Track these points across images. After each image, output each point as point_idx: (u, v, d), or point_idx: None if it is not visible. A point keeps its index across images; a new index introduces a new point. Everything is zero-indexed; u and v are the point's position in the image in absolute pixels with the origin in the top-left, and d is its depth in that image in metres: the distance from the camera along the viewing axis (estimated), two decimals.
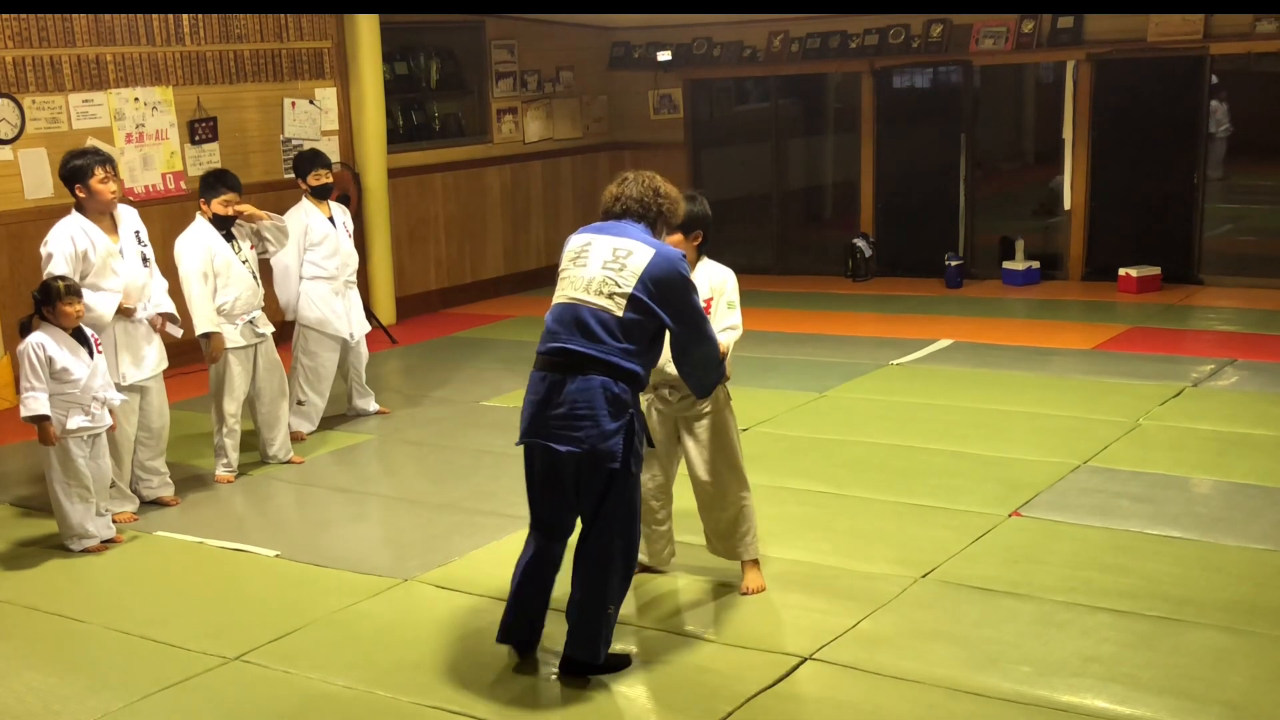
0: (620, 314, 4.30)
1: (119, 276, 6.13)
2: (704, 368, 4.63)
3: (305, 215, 7.59)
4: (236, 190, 6.78)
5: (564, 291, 4.42)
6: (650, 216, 4.49)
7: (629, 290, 4.29)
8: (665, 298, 4.34)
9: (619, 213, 4.50)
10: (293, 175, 10.16)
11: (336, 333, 7.64)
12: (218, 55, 9.81)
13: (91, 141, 8.57)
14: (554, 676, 4.51)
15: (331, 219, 7.66)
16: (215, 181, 6.77)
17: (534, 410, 4.35)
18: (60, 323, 5.73)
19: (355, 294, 7.81)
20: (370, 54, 10.46)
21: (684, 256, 4.46)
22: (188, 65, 9.62)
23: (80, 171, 6.05)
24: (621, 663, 4.55)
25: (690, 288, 4.45)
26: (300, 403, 7.59)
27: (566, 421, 4.28)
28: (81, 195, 6.08)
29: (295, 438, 7.42)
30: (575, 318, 4.34)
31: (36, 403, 5.66)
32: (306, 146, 9.23)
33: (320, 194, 7.65)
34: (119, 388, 6.10)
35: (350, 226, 7.84)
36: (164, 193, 9.38)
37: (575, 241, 4.50)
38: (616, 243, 4.39)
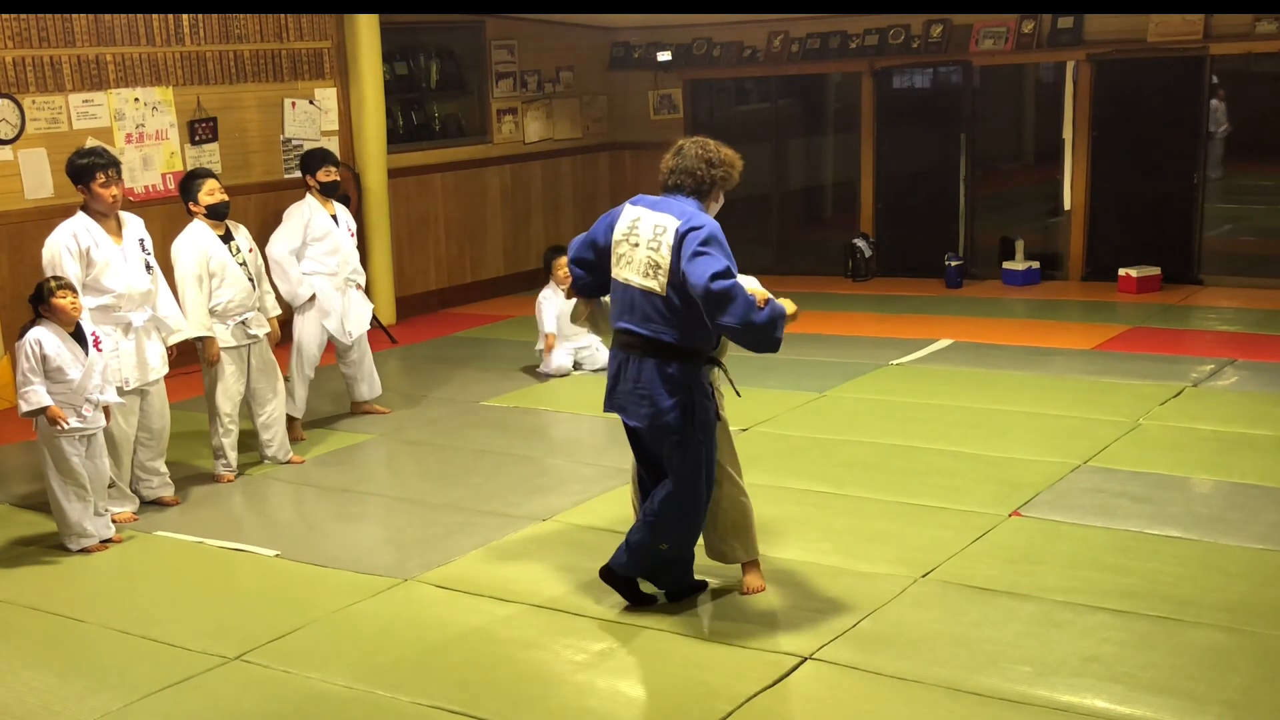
0: (664, 293, 4.57)
1: (121, 279, 6.14)
2: (731, 315, 4.45)
3: (309, 210, 7.64)
4: (213, 176, 6.84)
5: (619, 270, 4.71)
6: (703, 188, 4.71)
7: (668, 268, 4.54)
8: (687, 260, 4.49)
9: (672, 186, 4.73)
10: (294, 175, 10.23)
11: (332, 330, 7.70)
12: (218, 55, 9.81)
13: (92, 142, 8.56)
14: (552, 677, 4.51)
15: (335, 217, 7.70)
16: (190, 180, 6.82)
17: (610, 385, 4.82)
18: (58, 319, 5.73)
19: (356, 293, 7.84)
20: (370, 54, 10.46)
21: (716, 227, 4.59)
22: (188, 65, 9.62)
23: (83, 171, 6.07)
24: (696, 586, 5.03)
25: (696, 248, 4.46)
26: (286, 378, 7.63)
27: (631, 399, 4.72)
28: (84, 195, 6.10)
29: (295, 438, 7.42)
30: (630, 299, 4.70)
31: (36, 395, 5.65)
32: (308, 146, 9.24)
33: (328, 191, 7.71)
34: (121, 391, 6.11)
35: (353, 227, 7.88)
36: (164, 193, 9.38)
37: (628, 214, 4.73)
38: (657, 219, 4.63)
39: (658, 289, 4.59)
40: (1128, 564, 5.26)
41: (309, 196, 7.70)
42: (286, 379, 7.59)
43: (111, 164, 6.14)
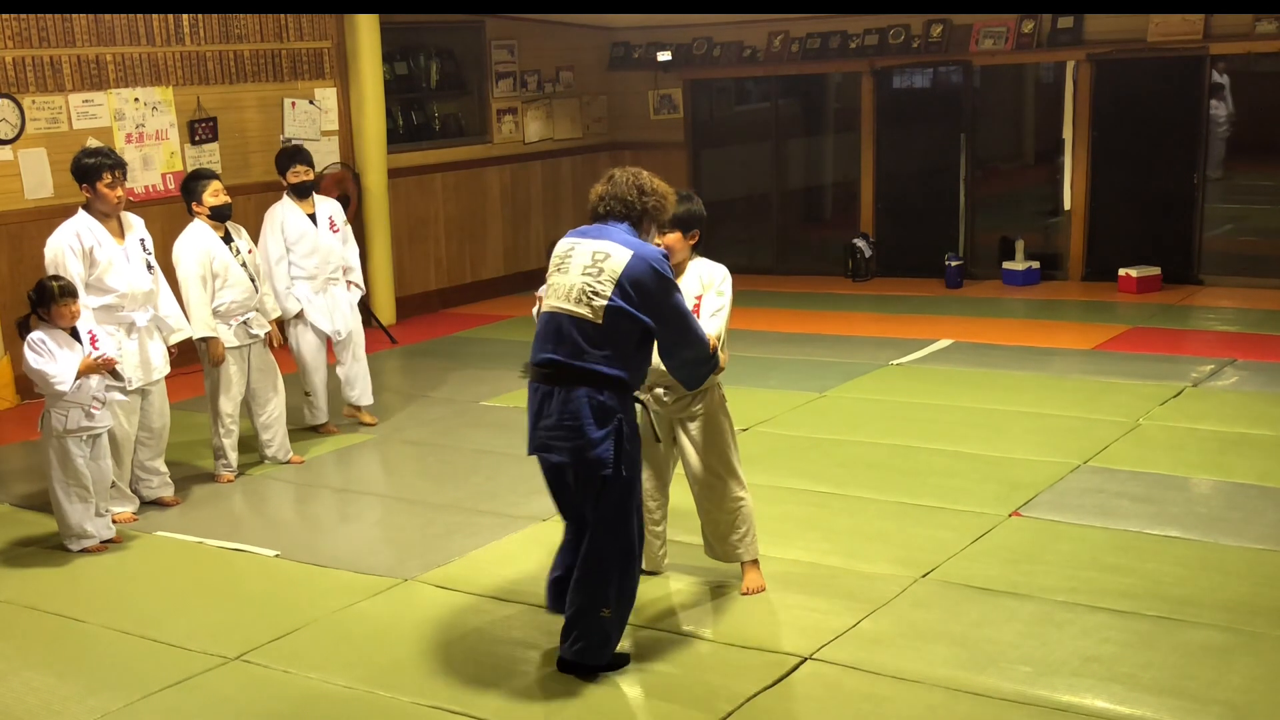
0: (600, 321, 4.29)
1: (123, 279, 6.15)
2: (693, 364, 4.58)
3: (281, 213, 7.48)
4: (216, 177, 6.82)
5: (548, 300, 4.43)
6: (634, 215, 4.45)
7: (607, 295, 4.28)
8: (644, 300, 4.31)
9: (603, 213, 4.47)
10: None
11: (318, 328, 7.58)
12: (218, 55, 9.81)
13: (93, 142, 8.56)
14: (552, 677, 4.51)
15: (313, 216, 7.52)
16: (193, 180, 6.80)
17: (531, 422, 4.44)
18: (57, 323, 5.74)
19: (340, 290, 7.64)
20: (370, 54, 10.46)
21: (665, 256, 4.41)
22: (188, 65, 9.62)
23: (89, 171, 6.07)
24: (619, 662, 4.56)
25: (670, 288, 4.36)
26: (306, 394, 7.66)
27: (555, 433, 4.34)
28: (88, 195, 6.11)
29: (327, 431, 7.67)
30: (557, 328, 4.36)
31: (65, 371, 5.63)
32: (309, 146, 9.19)
33: (299, 192, 7.50)
34: (124, 391, 6.12)
35: (338, 221, 7.65)
36: (164, 193, 9.38)
37: (561, 246, 4.50)
38: (596, 246, 4.37)
39: (591, 316, 4.28)
40: (1128, 564, 5.26)
41: (285, 197, 7.54)
42: (306, 393, 7.64)
43: (118, 165, 6.15)
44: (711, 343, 4.59)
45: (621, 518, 4.42)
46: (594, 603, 4.43)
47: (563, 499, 4.56)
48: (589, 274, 4.31)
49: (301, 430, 7.64)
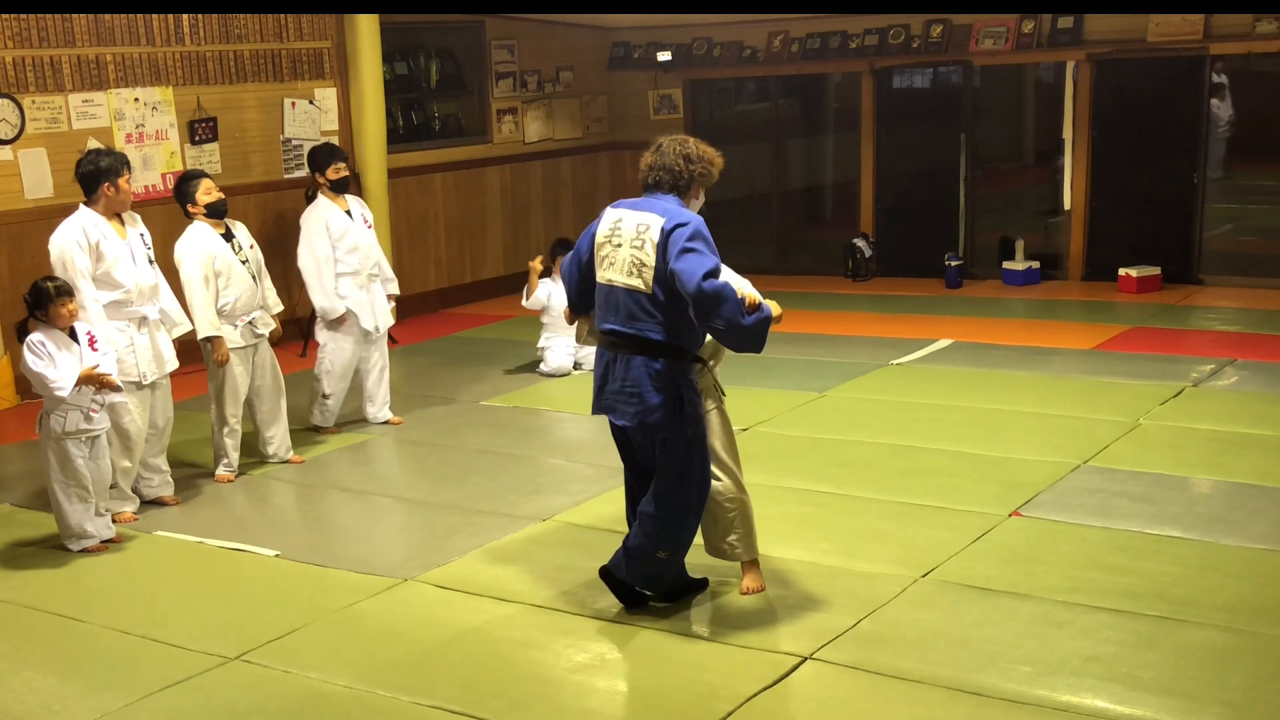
0: (650, 290, 4.57)
1: (130, 273, 6.17)
2: (726, 325, 4.48)
3: (324, 212, 7.50)
4: (205, 176, 6.84)
5: (602, 271, 4.71)
6: (682, 184, 4.70)
7: (654, 265, 4.54)
8: (675, 257, 4.48)
9: (652, 184, 4.73)
10: (294, 175, 10.23)
11: (362, 326, 7.58)
12: (218, 55, 9.81)
13: (93, 143, 8.57)
14: (552, 677, 4.52)
15: (349, 213, 7.58)
16: (184, 183, 6.81)
17: (597, 385, 4.81)
18: (54, 324, 5.73)
19: (379, 287, 7.69)
20: (370, 54, 10.45)
21: (701, 222, 4.57)
22: (188, 65, 9.62)
23: (111, 171, 6.13)
24: (697, 585, 5.03)
25: (678, 251, 4.46)
26: (324, 397, 7.63)
27: (619, 398, 4.71)
28: (110, 194, 6.13)
29: (328, 432, 7.64)
30: (614, 299, 4.67)
31: (64, 377, 5.64)
32: (308, 146, 9.20)
33: (339, 187, 7.58)
34: (139, 386, 6.15)
35: (369, 218, 7.74)
36: (164, 193, 9.37)
37: (609, 217, 4.74)
38: (639, 218, 4.63)
39: (642, 287, 4.59)
40: (1128, 564, 5.26)
41: (320, 197, 7.57)
42: (325, 396, 7.61)
43: (128, 162, 6.26)
44: (748, 299, 4.56)
45: (683, 474, 4.71)
46: (651, 544, 4.78)
47: (626, 453, 4.93)
48: (635, 247, 4.59)
49: (302, 430, 7.64)
